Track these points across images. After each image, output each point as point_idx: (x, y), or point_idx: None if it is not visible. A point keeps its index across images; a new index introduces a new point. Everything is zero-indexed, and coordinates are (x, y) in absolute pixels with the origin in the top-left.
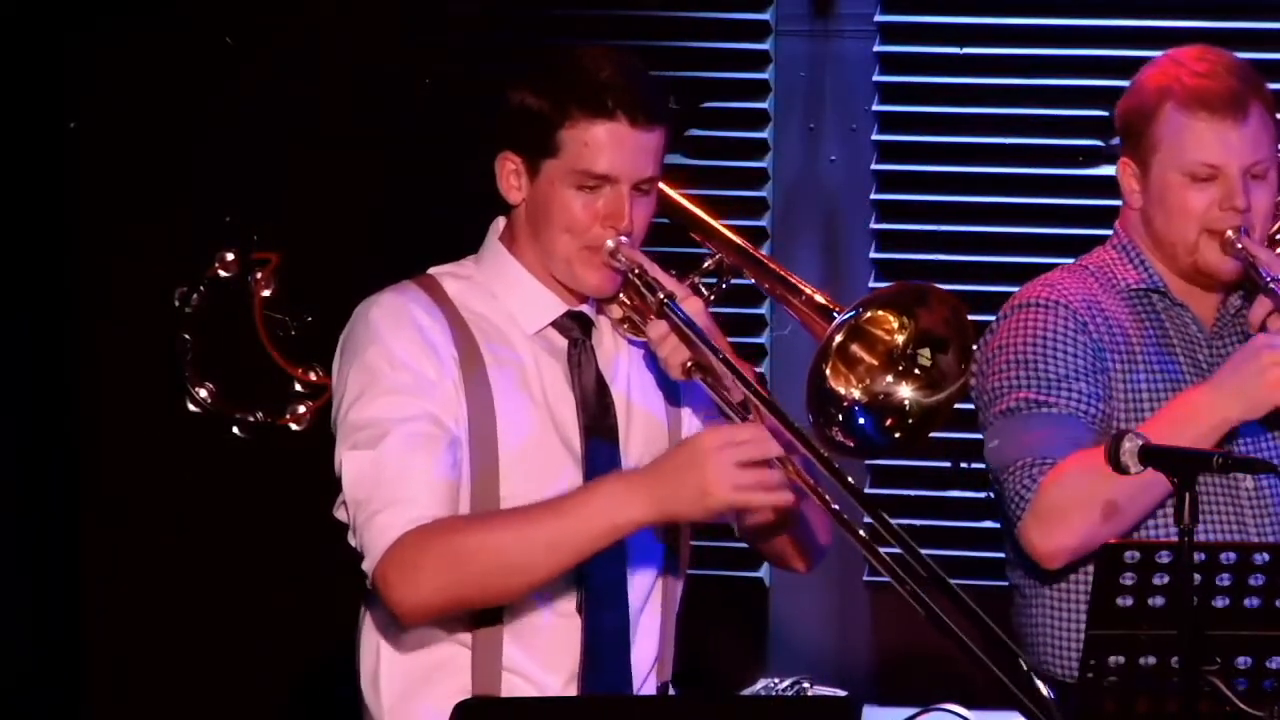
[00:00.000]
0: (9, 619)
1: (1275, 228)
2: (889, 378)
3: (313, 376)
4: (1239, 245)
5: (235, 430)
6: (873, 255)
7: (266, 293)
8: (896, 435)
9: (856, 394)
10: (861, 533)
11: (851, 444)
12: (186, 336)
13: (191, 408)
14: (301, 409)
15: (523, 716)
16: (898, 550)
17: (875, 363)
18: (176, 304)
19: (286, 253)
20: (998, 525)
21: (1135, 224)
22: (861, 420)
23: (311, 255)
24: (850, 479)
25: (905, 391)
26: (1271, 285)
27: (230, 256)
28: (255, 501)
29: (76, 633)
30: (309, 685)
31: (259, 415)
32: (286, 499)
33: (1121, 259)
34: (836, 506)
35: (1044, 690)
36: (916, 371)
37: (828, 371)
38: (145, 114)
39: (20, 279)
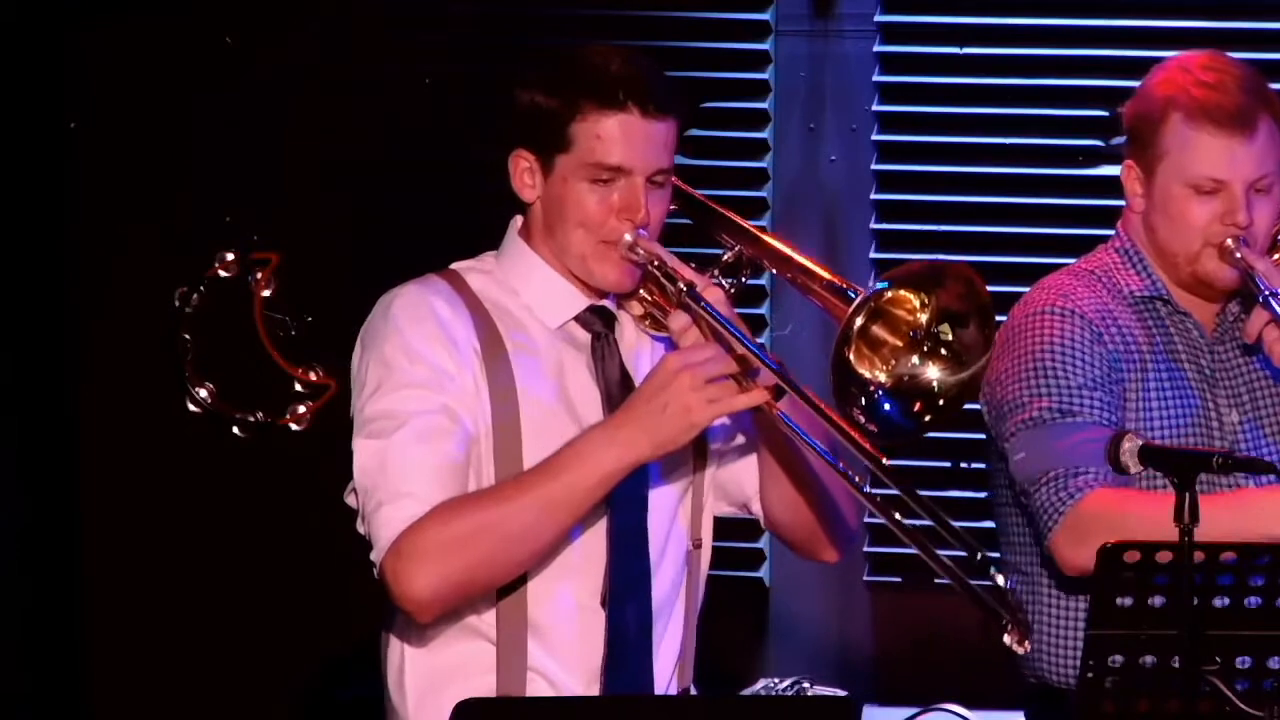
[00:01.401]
0: (9, 619)
1: (1277, 229)
2: (914, 359)
3: (313, 376)
4: (1238, 255)
5: (235, 430)
6: (873, 255)
7: (266, 293)
8: (926, 418)
9: (882, 377)
10: (898, 517)
11: (873, 428)
12: (186, 336)
13: (191, 408)
14: (301, 409)
15: (522, 717)
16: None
17: (899, 344)
18: (176, 304)
19: (286, 253)
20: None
21: (1137, 228)
22: (886, 406)
23: (311, 255)
24: (884, 459)
25: (933, 372)
26: (1269, 298)
27: (230, 256)
28: (255, 501)
29: (76, 633)
30: (309, 685)
31: (259, 415)
32: (286, 499)
33: (1124, 263)
34: (865, 487)
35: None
36: (942, 351)
37: (851, 356)
38: (145, 114)
39: (20, 279)
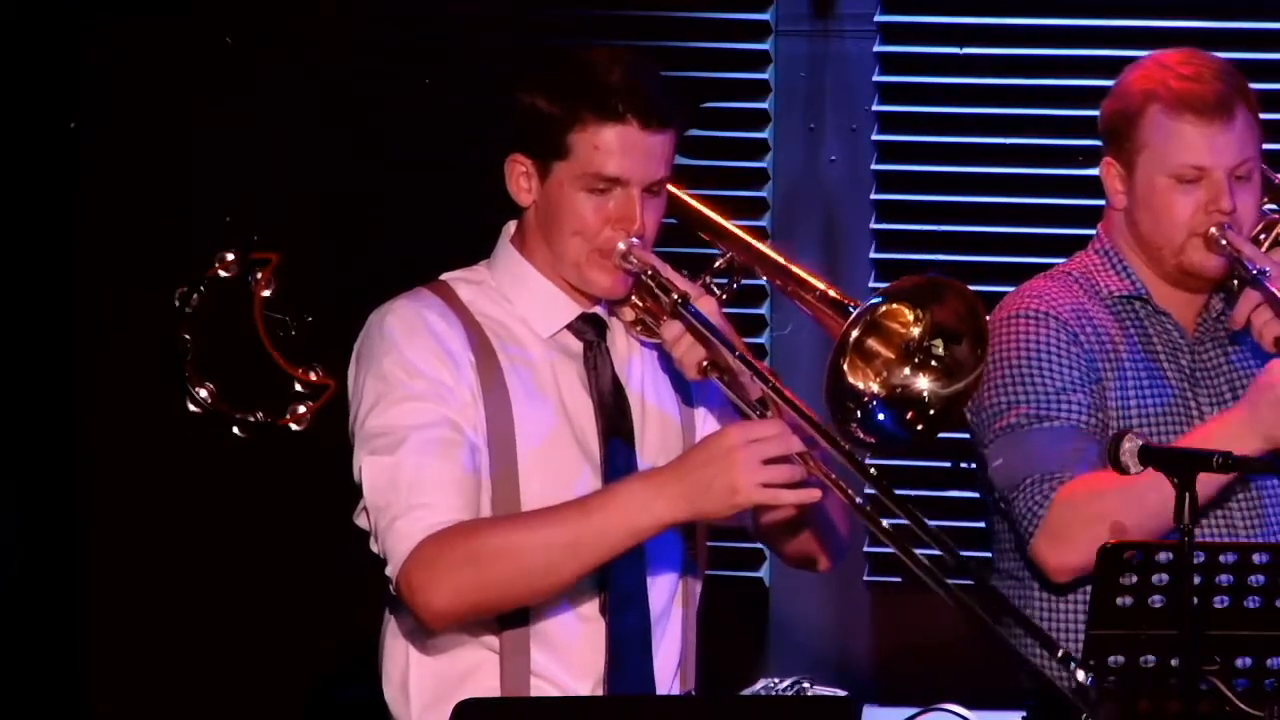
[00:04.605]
0: (9, 619)
1: (1258, 229)
2: (905, 370)
3: (313, 376)
4: (1223, 241)
5: (235, 430)
6: (873, 255)
7: (266, 293)
8: (918, 427)
9: (875, 388)
10: (886, 524)
11: (872, 440)
12: (186, 336)
13: (191, 408)
14: (301, 409)
15: (521, 716)
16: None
17: (891, 355)
18: (176, 304)
19: (286, 253)
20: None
21: (1119, 226)
22: (881, 416)
23: (311, 255)
24: (873, 471)
25: (922, 383)
26: (1257, 276)
27: (230, 256)
28: (255, 501)
29: (76, 633)
30: (309, 685)
31: (259, 415)
32: (287, 499)
33: (1104, 264)
34: (860, 500)
35: (1081, 677)
36: (932, 363)
37: (845, 367)
38: (145, 114)
39: (21, 279)
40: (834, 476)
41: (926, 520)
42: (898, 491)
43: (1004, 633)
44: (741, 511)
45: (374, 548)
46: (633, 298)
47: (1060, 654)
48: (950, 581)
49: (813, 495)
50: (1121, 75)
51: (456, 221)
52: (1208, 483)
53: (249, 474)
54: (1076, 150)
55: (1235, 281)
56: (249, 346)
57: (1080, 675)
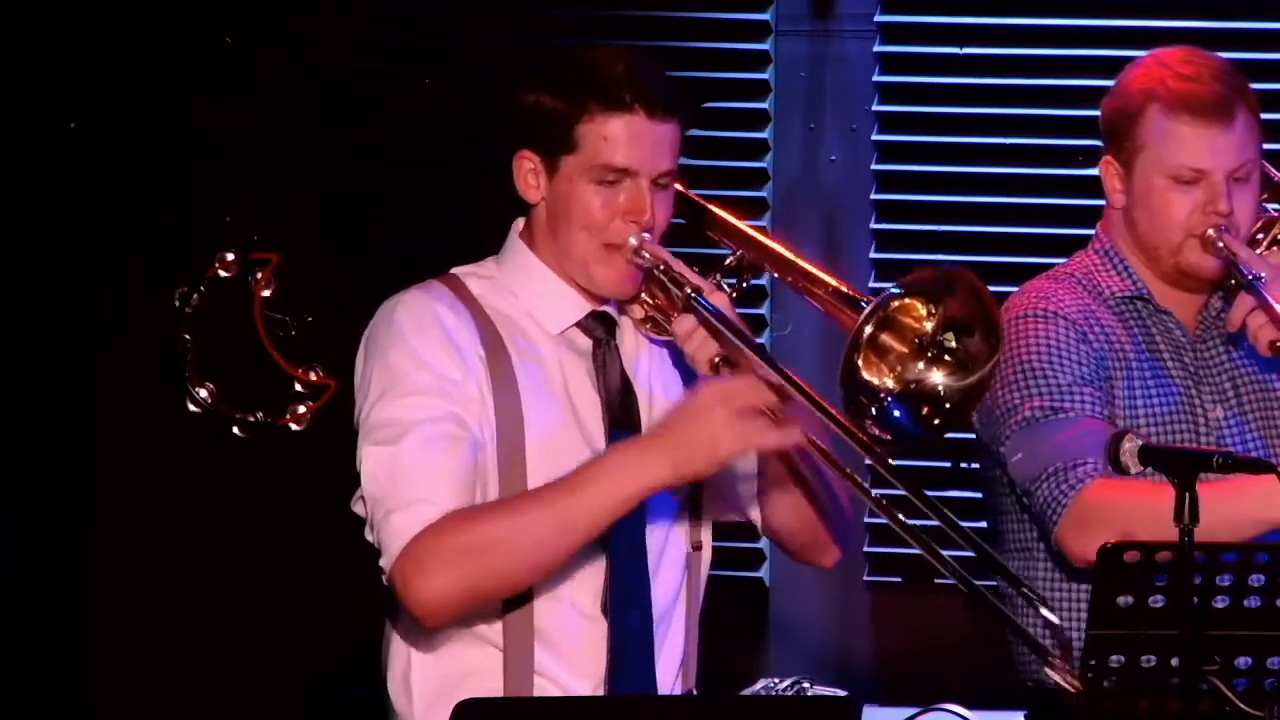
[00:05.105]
0: (9, 619)
1: (1256, 227)
2: (919, 365)
3: (313, 376)
4: (1220, 244)
5: (235, 430)
6: (873, 255)
7: (266, 293)
8: (935, 422)
9: (889, 383)
10: (901, 516)
11: (887, 437)
12: (186, 336)
13: (191, 408)
14: (301, 409)
15: (520, 717)
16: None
17: (905, 350)
18: (176, 304)
19: (286, 253)
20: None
21: (1118, 225)
22: (896, 412)
23: (311, 255)
24: (890, 459)
25: (937, 377)
26: (1252, 281)
27: (230, 256)
28: (255, 502)
29: (76, 633)
30: (309, 685)
31: (259, 415)
32: (286, 499)
33: (1104, 265)
34: (869, 487)
35: (1051, 617)
36: (946, 357)
37: (860, 362)
38: (145, 114)
39: (22, 279)
40: (834, 457)
41: (928, 493)
42: (892, 493)
43: (1006, 611)
44: (728, 462)
45: (369, 536)
46: (643, 295)
47: (1024, 590)
48: (954, 564)
49: (794, 435)
50: (1122, 74)
51: (456, 221)
52: (1247, 527)
53: (249, 474)
54: (1076, 150)
55: (1232, 282)
56: (249, 346)
57: (1047, 614)
